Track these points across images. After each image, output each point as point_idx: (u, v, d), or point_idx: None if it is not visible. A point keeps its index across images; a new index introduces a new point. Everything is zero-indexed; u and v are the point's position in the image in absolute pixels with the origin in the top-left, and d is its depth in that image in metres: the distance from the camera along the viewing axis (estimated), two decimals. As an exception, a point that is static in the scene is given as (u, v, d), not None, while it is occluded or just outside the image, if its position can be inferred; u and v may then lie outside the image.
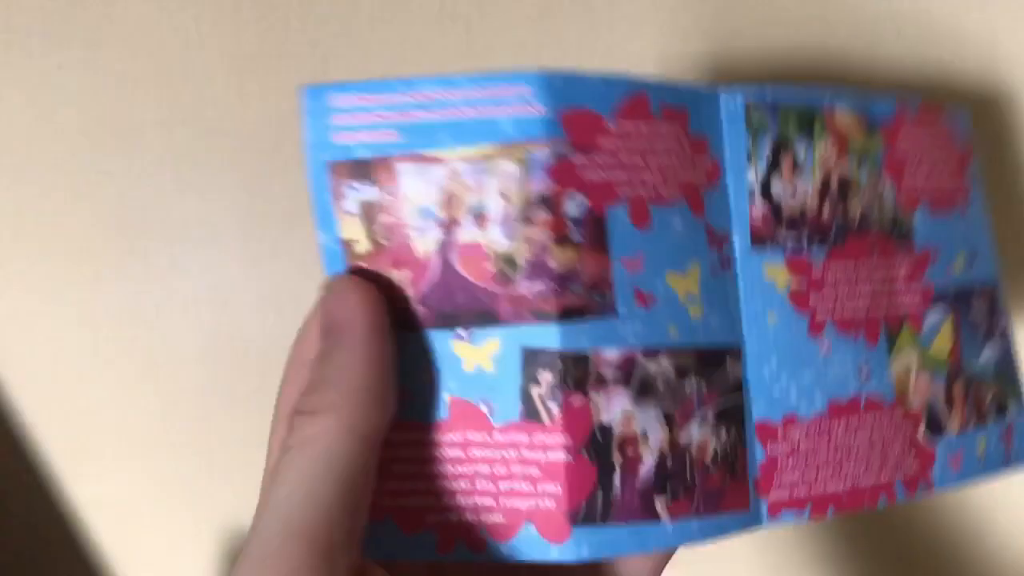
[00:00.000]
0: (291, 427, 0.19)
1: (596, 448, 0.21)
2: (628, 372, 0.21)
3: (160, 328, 0.38)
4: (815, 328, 0.24)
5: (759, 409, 0.23)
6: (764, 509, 0.23)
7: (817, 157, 0.25)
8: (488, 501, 0.21)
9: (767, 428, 0.23)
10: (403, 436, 0.21)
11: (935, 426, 0.26)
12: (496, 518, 0.21)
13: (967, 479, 0.27)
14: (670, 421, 0.22)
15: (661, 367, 0.22)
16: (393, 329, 0.20)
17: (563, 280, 0.21)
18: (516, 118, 0.21)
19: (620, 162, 0.22)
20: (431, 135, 0.20)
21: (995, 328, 0.29)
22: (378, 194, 0.21)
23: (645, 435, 0.21)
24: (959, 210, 0.29)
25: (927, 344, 0.27)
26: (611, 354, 0.21)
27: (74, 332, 0.39)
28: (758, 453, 0.23)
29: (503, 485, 0.21)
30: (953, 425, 0.26)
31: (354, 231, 0.21)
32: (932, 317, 0.27)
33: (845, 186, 0.26)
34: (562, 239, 0.21)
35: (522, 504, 0.21)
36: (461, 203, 0.21)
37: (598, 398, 0.21)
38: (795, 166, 0.25)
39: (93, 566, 0.40)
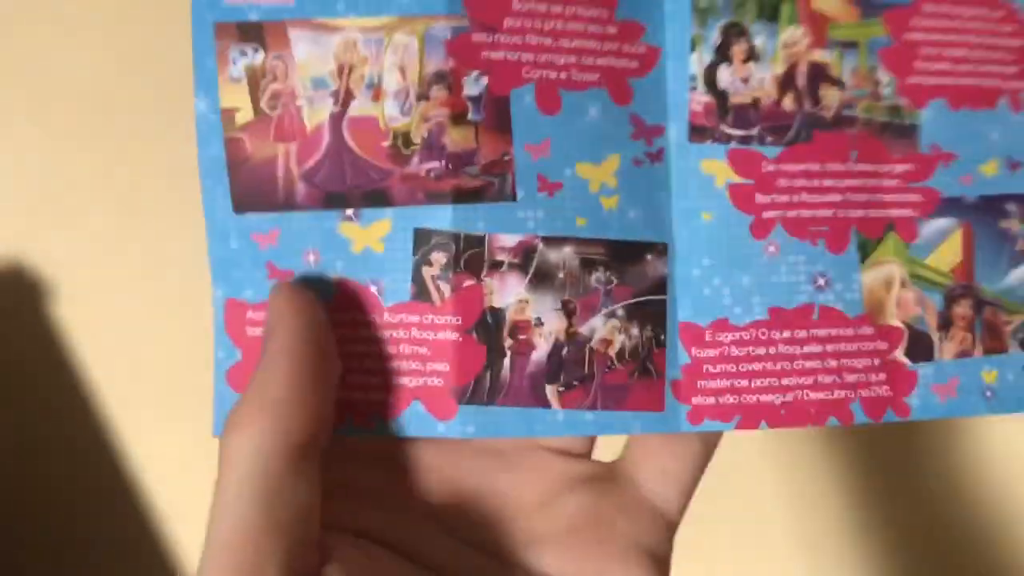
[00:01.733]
0: (221, 444, 0.19)
1: (486, 330, 0.21)
2: (525, 258, 0.21)
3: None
4: (760, 229, 0.23)
5: (684, 310, 0.23)
6: (683, 414, 0.23)
7: (781, 44, 0.24)
8: (377, 379, 0.21)
9: (692, 330, 0.23)
10: None
11: (917, 347, 0.24)
12: (384, 396, 0.21)
13: (963, 412, 0.24)
14: (569, 311, 0.22)
15: (564, 256, 0.22)
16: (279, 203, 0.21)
17: (458, 160, 0.21)
18: None
19: (527, 43, 0.21)
20: (329, 2, 0.20)
21: None
22: (268, 60, 0.21)
23: (539, 322, 0.21)
24: (1003, 110, 0.26)
25: (921, 255, 0.25)
26: (507, 239, 0.21)
27: (139, 286, 0.41)
28: (681, 356, 0.23)
29: (393, 364, 0.21)
30: (947, 349, 0.24)
31: (237, 99, 0.21)
32: (933, 225, 0.25)
33: (818, 76, 0.24)
34: (459, 118, 0.21)
35: (411, 382, 0.21)
36: (356, 74, 0.21)
37: (491, 282, 0.21)
38: (751, 53, 0.23)
39: (146, 517, 0.43)
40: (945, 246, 0.25)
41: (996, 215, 0.25)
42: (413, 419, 0.22)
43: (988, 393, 0.24)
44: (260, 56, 0.21)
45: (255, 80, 0.21)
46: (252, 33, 0.21)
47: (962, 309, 0.25)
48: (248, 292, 0.21)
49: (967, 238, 0.25)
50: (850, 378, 0.23)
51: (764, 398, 0.23)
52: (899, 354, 0.24)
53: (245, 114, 0.21)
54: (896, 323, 0.24)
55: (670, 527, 0.23)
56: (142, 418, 0.42)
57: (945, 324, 0.24)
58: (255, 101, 0.21)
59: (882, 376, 0.24)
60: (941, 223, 0.25)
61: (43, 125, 0.40)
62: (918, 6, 0.25)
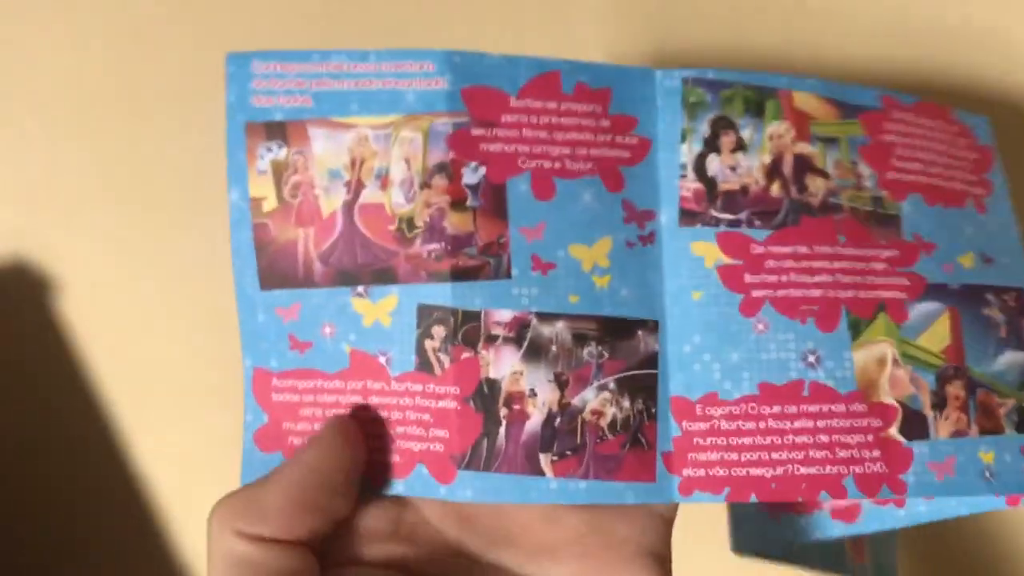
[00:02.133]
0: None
1: (483, 400, 0.23)
2: (519, 332, 0.23)
3: (228, 282, 0.41)
4: (749, 307, 0.25)
5: (676, 385, 0.24)
6: (675, 485, 0.24)
7: (767, 136, 0.25)
8: (385, 443, 0.23)
9: (683, 404, 0.24)
10: (309, 383, 0.24)
11: (912, 425, 0.25)
12: (393, 458, 0.23)
13: (962, 491, 0.25)
14: (561, 383, 0.23)
15: (556, 331, 0.23)
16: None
17: (457, 242, 0.23)
18: (420, 91, 0.23)
19: (523, 136, 0.23)
20: (343, 103, 0.23)
21: (1023, 337, 0.27)
22: (290, 155, 0.23)
23: (533, 393, 0.23)
24: (971, 209, 0.28)
25: (911, 336, 0.26)
26: (503, 314, 0.23)
27: (142, 284, 0.42)
28: (672, 428, 0.24)
29: (399, 429, 0.23)
30: (942, 428, 0.25)
31: (264, 189, 0.23)
32: (921, 308, 0.26)
33: (803, 167, 0.26)
34: (458, 204, 0.23)
35: (415, 446, 0.23)
36: (367, 166, 0.23)
37: (487, 354, 0.23)
38: (739, 143, 0.25)
39: (152, 516, 0.43)
40: (934, 329, 0.26)
41: (979, 303, 0.26)
42: (418, 481, 0.23)
43: (987, 473, 0.25)
44: (283, 151, 0.23)
45: (279, 172, 0.23)
46: (277, 131, 0.23)
47: (955, 389, 0.25)
48: (273, 362, 0.24)
49: (955, 322, 0.26)
50: (842, 454, 0.24)
51: (754, 471, 0.24)
52: (894, 431, 0.25)
53: (270, 202, 0.23)
54: (890, 401, 0.25)
55: (667, 524, 0.24)
56: (146, 416, 0.42)
57: (939, 403, 0.25)
58: (279, 191, 0.23)
59: (876, 453, 0.24)
60: (928, 307, 0.26)
61: (46, 121, 0.41)
62: (888, 112, 0.27)
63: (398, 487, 0.23)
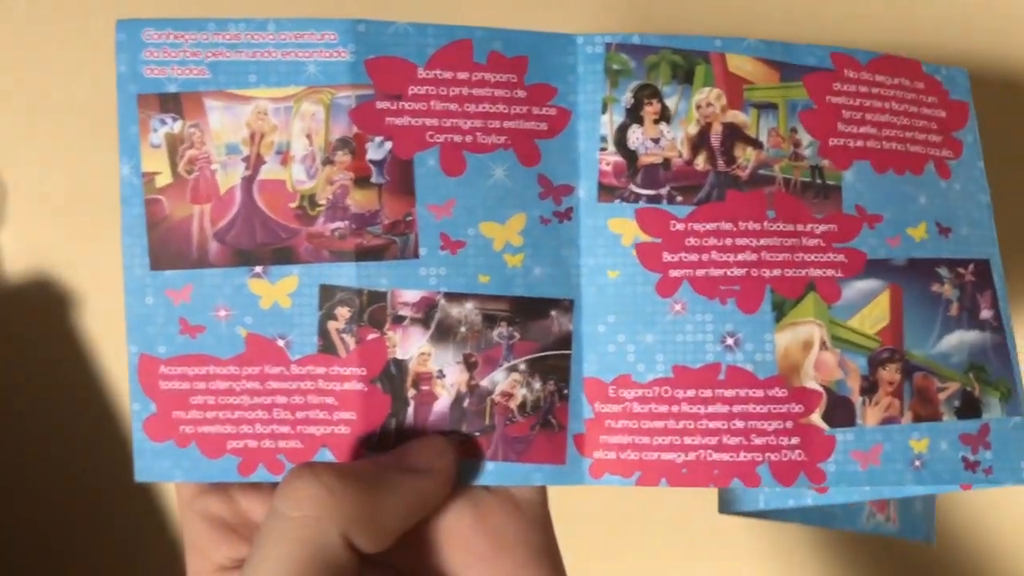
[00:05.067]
0: None
1: (390, 381, 0.23)
2: (427, 313, 0.23)
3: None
4: (666, 287, 0.25)
5: (589, 366, 0.25)
6: (585, 468, 0.24)
7: (694, 104, 0.25)
8: (285, 429, 0.24)
9: (596, 386, 0.25)
10: (201, 370, 0.24)
11: (837, 412, 0.25)
12: (294, 444, 0.23)
13: (886, 481, 0.25)
14: (470, 364, 0.23)
15: (465, 312, 0.23)
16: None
17: (361, 220, 0.23)
18: (322, 62, 0.23)
19: (431, 109, 0.23)
20: (240, 74, 0.23)
21: (977, 313, 0.26)
22: (185, 128, 0.23)
23: (441, 374, 0.23)
24: (930, 175, 0.27)
25: (843, 317, 0.25)
26: (409, 295, 0.23)
27: None
28: (584, 410, 0.25)
29: (300, 414, 0.23)
30: (870, 415, 0.25)
31: (157, 164, 0.23)
32: (857, 286, 0.26)
33: (733, 136, 0.26)
34: (363, 181, 0.23)
35: (318, 431, 0.23)
36: (267, 141, 0.23)
37: (394, 335, 0.23)
38: (663, 114, 0.25)
39: (167, 524, 0.45)
40: (870, 308, 0.26)
41: (927, 279, 0.26)
42: None
43: (917, 463, 0.25)
44: (178, 124, 0.23)
45: (174, 146, 0.23)
46: (171, 103, 0.23)
47: (889, 373, 0.25)
48: (161, 348, 0.24)
49: (895, 300, 0.26)
50: (758, 440, 0.25)
51: (665, 456, 0.24)
52: (816, 418, 0.25)
53: (164, 177, 0.23)
54: (814, 386, 0.25)
55: (546, 512, 0.25)
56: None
57: (870, 388, 0.25)
58: (173, 165, 0.23)
59: (794, 440, 0.25)
60: (866, 284, 0.26)
61: (67, 138, 0.44)
62: (839, 71, 0.26)
63: None
